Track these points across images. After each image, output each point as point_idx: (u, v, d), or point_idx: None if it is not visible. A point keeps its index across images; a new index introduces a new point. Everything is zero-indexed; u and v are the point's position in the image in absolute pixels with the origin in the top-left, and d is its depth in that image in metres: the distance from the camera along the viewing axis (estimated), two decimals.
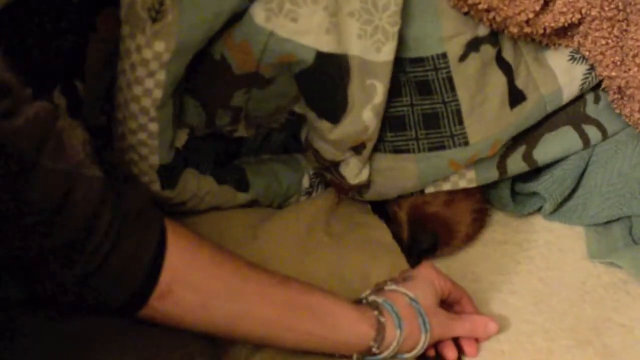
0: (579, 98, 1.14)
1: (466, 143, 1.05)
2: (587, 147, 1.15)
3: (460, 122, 1.04)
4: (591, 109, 1.15)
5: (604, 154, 1.17)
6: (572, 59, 1.09)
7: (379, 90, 1.00)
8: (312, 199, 1.19)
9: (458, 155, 1.06)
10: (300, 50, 0.98)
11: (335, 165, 1.08)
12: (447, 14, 1.00)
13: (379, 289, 1.00)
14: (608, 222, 1.19)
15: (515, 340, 1.06)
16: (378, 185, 1.10)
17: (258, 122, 1.11)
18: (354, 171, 1.08)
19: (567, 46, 1.08)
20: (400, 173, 1.08)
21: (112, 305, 0.83)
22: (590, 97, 1.15)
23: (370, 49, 0.97)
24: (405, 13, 0.98)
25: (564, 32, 1.07)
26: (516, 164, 1.13)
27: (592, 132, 1.15)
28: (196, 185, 1.09)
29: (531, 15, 1.01)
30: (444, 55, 1.01)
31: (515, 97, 1.07)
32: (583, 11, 1.04)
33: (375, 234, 1.16)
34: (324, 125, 1.03)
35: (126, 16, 0.96)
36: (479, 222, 1.18)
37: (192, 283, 0.86)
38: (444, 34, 1.01)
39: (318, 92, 1.02)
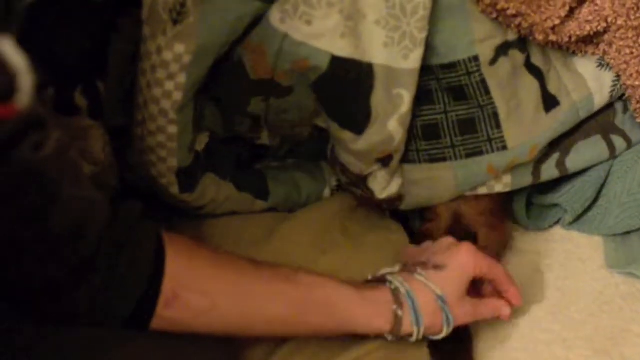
0: (609, 107, 1.13)
1: (504, 147, 1.04)
2: (612, 156, 1.15)
3: (498, 125, 1.03)
4: (619, 119, 1.14)
5: (624, 164, 1.16)
6: (600, 65, 1.08)
7: (406, 100, 0.98)
8: (328, 201, 1.18)
9: (496, 160, 1.05)
10: (315, 54, 0.97)
11: (363, 179, 1.07)
12: (477, 17, 0.99)
13: (408, 271, 0.97)
14: (627, 233, 1.18)
15: (533, 349, 1.06)
16: (413, 197, 1.08)
17: (282, 133, 1.10)
18: (381, 184, 1.06)
19: (593, 54, 1.07)
20: (437, 182, 1.06)
21: (120, 319, 0.83)
22: (619, 107, 1.14)
23: (398, 56, 0.96)
24: (434, 18, 0.97)
25: (589, 40, 1.06)
26: (549, 170, 1.12)
27: (619, 142, 1.14)
28: (215, 191, 1.09)
29: (557, 22, 1.00)
30: (476, 58, 1.00)
31: (549, 102, 1.06)
32: (609, 20, 1.03)
33: (391, 236, 1.15)
34: (347, 135, 1.01)
35: (147, 17, 0.97)
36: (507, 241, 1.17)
37: (198, 286, 0.85)
38: (475, 37, 1.00)
39: (336, 101, 1.00)
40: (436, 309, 0.95)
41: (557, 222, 1.21)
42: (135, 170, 1.05)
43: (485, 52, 1.00)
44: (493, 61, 1.01)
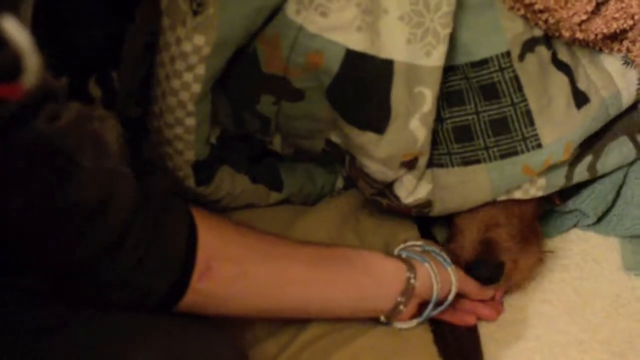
0: (633, 107, 1.11)
1: (539, 145, 1.02)
2: (639, 156, 1.13)
3: (532, 123, 1.01)
4: None
5: None
6: (626, 63, 1.07)
7: (428, 98, 0.96)
8: (343, 196, 1.17)
9: (532, 160, 1.03)
10: (329, 47, 0.95)
11: (389, 186, 1.04)
12: (504, 13, 0.98)
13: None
14: None
15: (549, 351, 1.05)
16: (445, 202, 1.06)
17: (296, 145, 1.08)
18: (407, 189, 1.04)
19: (619, 51, 1.06)
20: (471, 186, 1.04)
21: (156, 295, 0.83)
22: None
23: (420, 53, 0.94)
24: (461, 16, 0.95)
25: (614, 37, 1.05)
26: (581, 173, 1.10)
27: None
28: (231, 183, 1.08)
29: (584, 17, 0.98)
30: (508, 54, 0.98)
31: (580, 98, 1.04)
32: (635, 17, 1.02)
33: (403, 234, 1.14)
34: (368, 138, 0.98)
35: (167, 8, 0.95)
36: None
37: (228, 255, 0.88)
38: (505, 33, 0.98)
39: (353, 102, 0.98)
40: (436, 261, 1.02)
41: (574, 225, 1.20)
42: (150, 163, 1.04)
43: (514, 47, 0.99)
44: (521, 57, 0.99)
